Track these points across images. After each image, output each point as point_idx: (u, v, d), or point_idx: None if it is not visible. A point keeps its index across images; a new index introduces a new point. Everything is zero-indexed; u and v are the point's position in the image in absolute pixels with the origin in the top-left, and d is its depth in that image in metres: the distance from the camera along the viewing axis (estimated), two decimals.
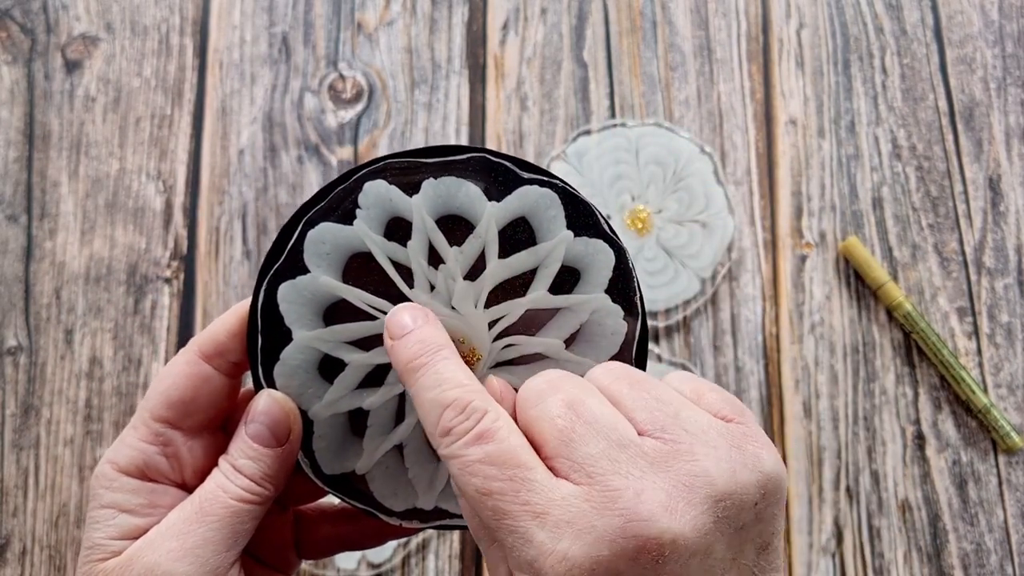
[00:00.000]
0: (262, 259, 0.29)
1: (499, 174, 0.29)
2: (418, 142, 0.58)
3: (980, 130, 0.59)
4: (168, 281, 0.55)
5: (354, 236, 0.28)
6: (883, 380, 0.55)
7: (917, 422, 0.54)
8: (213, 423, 0.29)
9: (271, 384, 0.28)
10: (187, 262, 0.55)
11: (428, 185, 0.29)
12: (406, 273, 0.29)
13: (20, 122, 0.57)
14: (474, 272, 0.29)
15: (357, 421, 0.30)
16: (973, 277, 0.56)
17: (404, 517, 0.30)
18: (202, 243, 0.56)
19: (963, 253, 0.57)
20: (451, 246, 0.29)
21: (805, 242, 0.57)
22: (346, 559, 0.50)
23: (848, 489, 0.53)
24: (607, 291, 0.29)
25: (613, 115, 0.58)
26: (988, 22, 0.61)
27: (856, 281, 0.56)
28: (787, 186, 0.58)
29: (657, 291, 0.55)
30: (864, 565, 0.52)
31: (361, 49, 0.59)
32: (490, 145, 0.58)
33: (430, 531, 0.51)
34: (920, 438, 0.54)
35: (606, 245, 0.29)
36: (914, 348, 0.55)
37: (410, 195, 0.29)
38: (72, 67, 0.58)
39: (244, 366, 0.29)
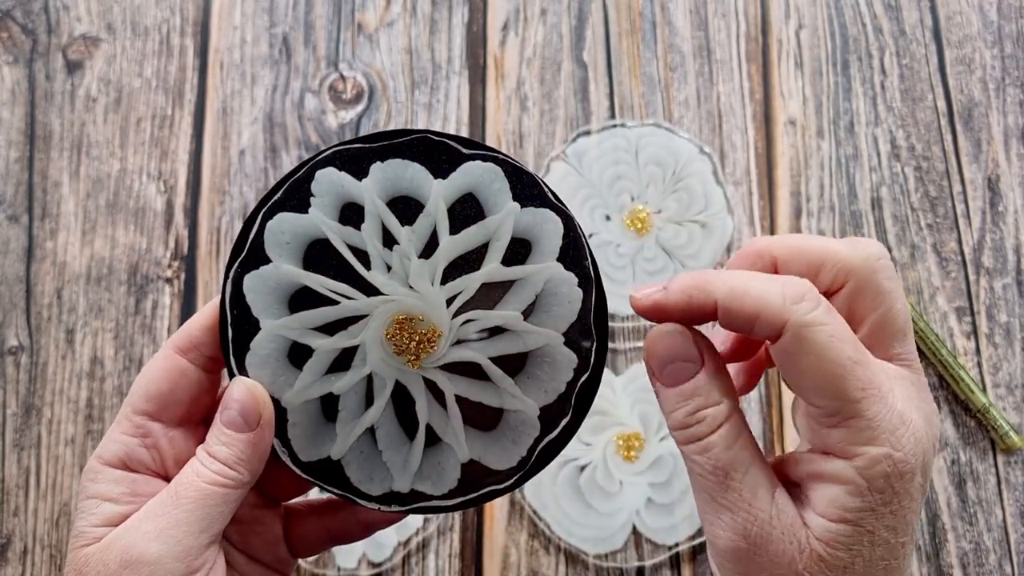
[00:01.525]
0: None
1: (443, 153, 0.30)
2: None
3: (979, 130, 0.59)
4: (169, 281, 0.55)
5: (311, 223, 0.29)
6: None
7: None
8: (193, 416, 0.30)
9: (244, 374, 0.29)
10: (188, 262, 0.55)
11: (376, 168, 0.29)
12: (363, 256, 0.30)
13: (21, 122, 0.57)
14: (428, 251, 0.30)
15: (329, 407, 0.30)
16: (972, 277, 0.56)
17: (382, 501, 0.30)
18: (203, 243, 0.56)
19: (962, 253, 0.57)
20: (403, 226, 0.29)
21: None
22: (346, 559, 0.51)
23: None
24: (559, 259, 0.29)
25: (613, 115, 0.59)
26: (987, 23, 0.61)
27: None
28: (786, 186, 0.58)
29: None
30: None
31: (361, 50, 0.59)
32: (490, 145, 0.58)
33: (431, 532, 0.52)
34: None
35: (553, 214, 0.30)
36: None
37: (360, 180, 0.29)
38: (73, 67, 0.58)
39: (220, 360, 0.30)
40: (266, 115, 0.58)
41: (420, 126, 0.58)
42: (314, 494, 0.34)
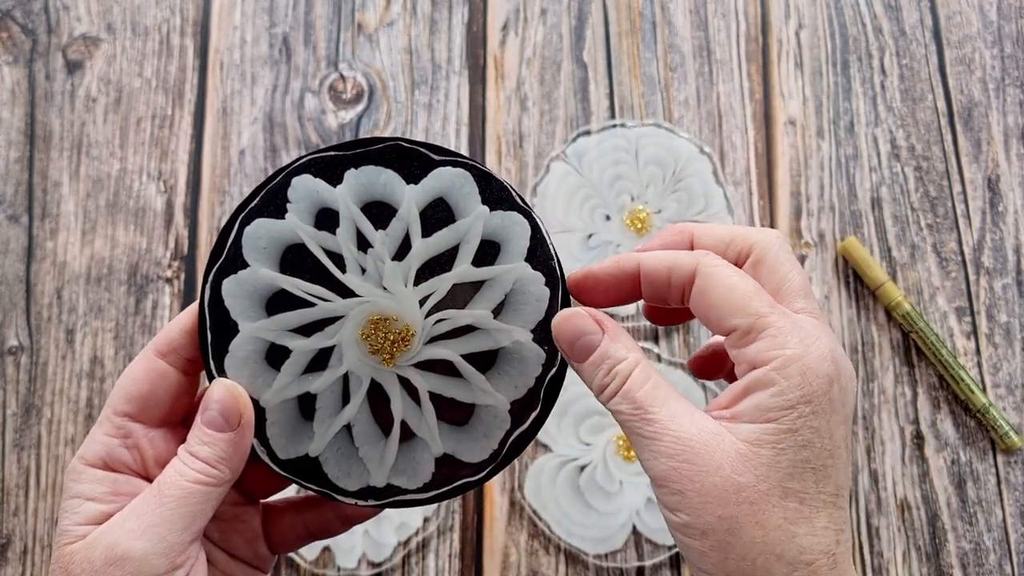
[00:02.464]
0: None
1: (414, 159, 0.31)
2: None
3: (979, 130, 0.59)
4: (169, 281, 0.55)
5: (287, 229, 0.30)
6: (882, 380, 0.55)
7: (916, 422, 0.54)
8: (173, 417, 0.31)
9: (224, 376, 0.30)
10: (188, 262, 0.56)
11: (350, 175, 0.31)
12: (338, 259, 0.31)
13: (21, 122, 0.57)
14: (401, 253, 0.31)
15: (307, 406, 0.31)
16: (972, 277, 0.56)
17: (359, 496, 0.31)
18: (203, 243, 0.56)
19: (962, 253, 0.57)
20: (377, 230, 0.31)
21: (804, 242, 0.57)
22: (347, 559, 0.51)
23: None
24: (527, 260, 0.31)
25: (613, 115, 0.59)
26: (987, 23, 0.61)
27: (855, 281, 0.56)
28: (786, 186, 0.58)
29: None
30: (863, 564, 0.52)
31: (361, 50, 0.59)
32: (490, 145, 0.58)
33: (431, 532, 0.52)
34: (919, 437, 0.54)
35: (521, 217, 0.31)
36: (913, 348, 0.55)
37: (335, 186, 0.30)
38: (73, 68, 0.58)
39: (199, 363, 0.30)
40: (266, 115, 0.58)
41: (421, 126, 0.58)
42: (293, 491, 0.34)
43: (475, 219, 0.31)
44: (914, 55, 0.60)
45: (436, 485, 0.31)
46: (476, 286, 0.31)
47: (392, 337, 0.31)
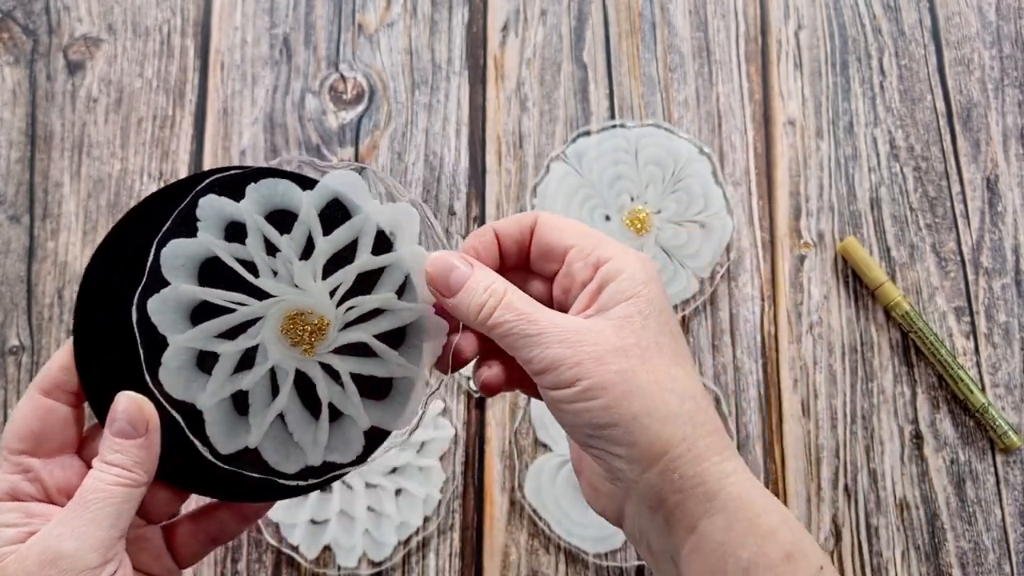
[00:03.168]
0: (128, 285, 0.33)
1: (306, 170, 0.35)
2: (418, 143, 0.58)
3: (978, 131, 0.59)
4: None
5: (201, 245, 0.33)
6: (881, 379, 0.55)
7: (915, 421, 0.54)
8: (66, 447, 0.33)
9: (159, 387, 0.32)
10: None
11: (251, 189, 0.33)
12: (251, 267, 0.33)
13: (22, 123, 0.58)
14: (307, 253, 0.33)
15: (241, 402, 0.33)
16: (971, 277, 0.57)
17: (299, 477, 0.34)
18: None
19: (961, 253, 0.57)
20: (282, 235, 0.33)
21: (803, 242, 0.57)
22: (347, 558, 0.51)
23: (846, 488, 0.53)
24: (420, 244, 0.34)
25: (612, 116, 0.59)
26: (986, 23, 0.61)
27: (854, 281, 0.57)
28: (785, 186, 0.58)
29: None
30: (862, 563, 0.52)
31: (362, 50, 0.60)
32: (490, 146, 0.58)
33: (431, 531, 0.52)
34: (918, 437, 0.54)
35: (409, 206, 0.34)
36: (912, 347, 0.55)
37: (238, 201, 0.33)
38: (74, 68, 0.58)
39: (82, 395, 0.33)
40: (267, 116, 0.58)
41: (421, 126, 0.58)
42: (187, 507, 0.36)
43: (367, 214, 0.34)
44: (913, 55, 0.60)
45: (367, 453, 0.34)
46: (379, 272, 0.34)
47: (309, 329, 0.33)
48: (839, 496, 0.53)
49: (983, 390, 0.55)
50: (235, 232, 0.33)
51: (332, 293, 0.33)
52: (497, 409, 0.54)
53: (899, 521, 0.53)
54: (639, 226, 0.55)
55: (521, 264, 0.35)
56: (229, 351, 0.33)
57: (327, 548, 0.51)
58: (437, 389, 0.35)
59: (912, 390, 0.55)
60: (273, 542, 0.51)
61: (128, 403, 0.31)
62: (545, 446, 0.53)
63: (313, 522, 0.51)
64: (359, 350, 0.34)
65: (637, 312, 0.31)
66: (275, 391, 0.33)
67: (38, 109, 0.58)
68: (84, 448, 0.33)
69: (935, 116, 0.59)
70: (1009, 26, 0.61)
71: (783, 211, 0.57)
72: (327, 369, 0.34)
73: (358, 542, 0.51)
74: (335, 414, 0.34)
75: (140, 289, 0.32)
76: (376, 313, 0.34)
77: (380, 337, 0.34)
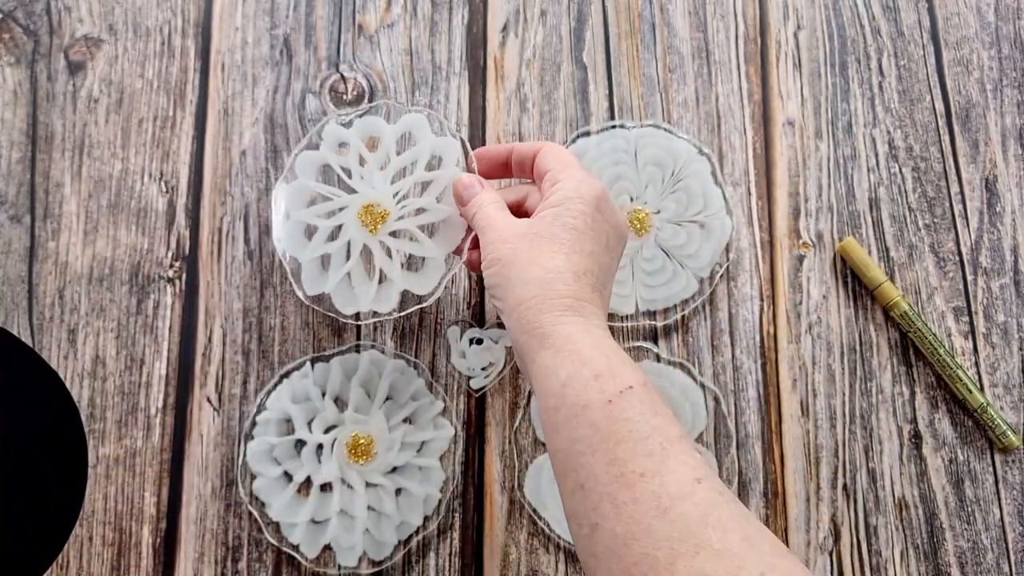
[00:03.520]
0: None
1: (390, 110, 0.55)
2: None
3: (976, 131, 0.59)
4: (171, 281, 0.55)
5: (320, 155, 0.51)
6: (880, 379, 0.55)
7: (914, 421, 0.55)
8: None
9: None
10: (189, 263, 0.56)
11: (357, 122, 0.52)
12: (348, 172, 0.50)
13: (23, 123, 0.58)
14: (385, 166, 0.51)
15: (326, 261, 0.50)
16: (969, 277, 0.57)
17: (353, 317, 0.53)
18: (204, 244, 0.56)
19: (959, 253, 0.57)
20: (371, 152, 0.51)
21: (802, 242, 0.57)
22: (347, 558, 0.51)
23: (845, 487, 0.54)
24: (457, 166, 0.49)
25: (612, 116, 0.59)
26: (984, 24, 0.61)
27: (853, 281, 0.57)
28: (785, 187, 0.58)
29: (655, 291, 0.55)
30: (861, 563, 0.53)
31: (362, 51, 0.60)
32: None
33: (431, 531, 0.52)
34: (917, 437, 0.54)
35: (454, 140, 0.50)
36: (911, 347, 0.56)
37: (348, 128, 0.51)
38: (75, 69, 0.59)
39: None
40: (267, 116, 0.58)
41: None
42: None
43: (424, 144, 0.50)
44: (912, 56, 0.60)
45: (400, 309, 0.51)
46: (427, 183, 0.50)
47: (375, 217, 0.49)
48: (838, 496, 0.53)
49: (982, 390, 0.55)
50: (342, 149, 0.52)
51: (395, 195, 0.50)
52: (497, 409, 0.54)
53: (898, 520, 0.53)
54: (639, 226, 0.55)
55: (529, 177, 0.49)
56: (324, 225, 0.49)
57: (327, 548, 0.51)
58: (454, 270, 0.49)
59: (911, 390, 0.55)
60: (273, 541, 0.51)
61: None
62: (545, 445, 0.53)
63: (313, 521, 0.51)
64: (406, 235, 0.50)
65: (551, 213, 0.42)
66: (348, 256, 0.49)
67: (39, 109, 0.58)
68: None
69: (934, 116, 0.59)
70: (1008, 27, 0.61)
71: (782, 211, 0.58)
72: (383, 247, 0.49)
73: (358, 542, 0.51)
74: (383, 278, 0.49)
75: (279, 179, 0.52)
76: (422, 211, 0.49)
77: (421, 227, 0.50)
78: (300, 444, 0.52)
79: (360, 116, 0.51)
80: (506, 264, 0.42)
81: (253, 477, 0.52)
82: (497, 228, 0.43)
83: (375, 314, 0.49)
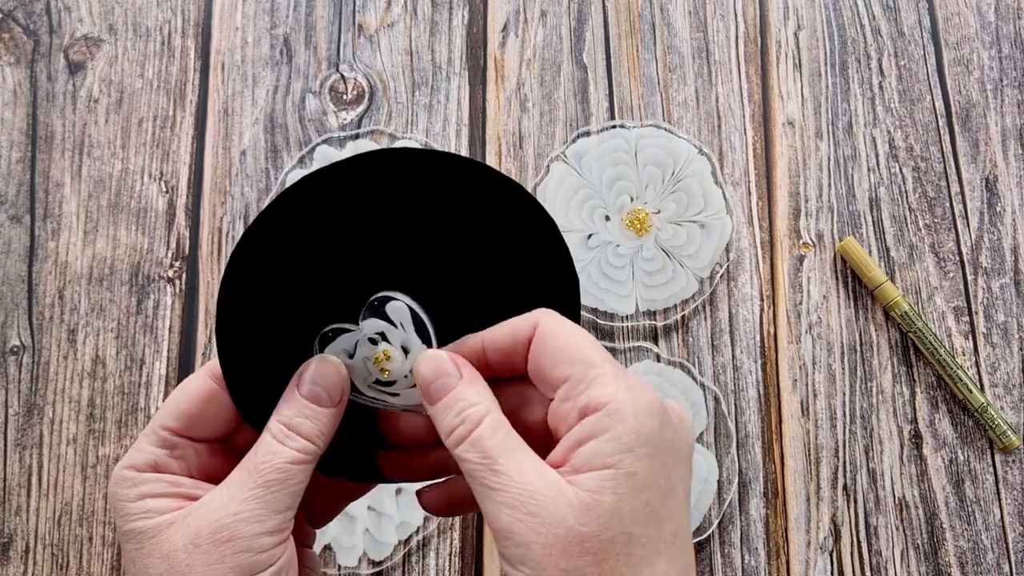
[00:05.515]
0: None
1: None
2: (419, 143, 0.58)
3: (977, 131, 0.59)
4: (171, 281, 0.55)
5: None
6: (880, 379, 0.55)
7: (914, 421, 0.55)
8: (215, 433, 0.31)
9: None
10: (189, 262, 0.56)
11: (349, 143, 0.48)
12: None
13: (23, 123, 0.58)
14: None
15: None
16: (970, 277, 0.57)
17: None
18: (204, 243, 0.56)
19: (960, 253, 0.57)
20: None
21: (803, 242, 0.57)
22: (347, 557, 0.51)
23: (845, 487, 0.53)
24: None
25: (612, 116, 0.59)
26: (985, 24, 0.61)
27: (853, 281, 0.57)
28: (785, 187, 0.58)
29: (655, 291, 0.55)
30: (861, 563, 0.52)
31: (362, 51, 0.60)
32: (490, 146, 0.58)
33: (431, 531, 0.52)
34: (917, 437, 0.54)
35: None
36: (911, 347, 0.55)
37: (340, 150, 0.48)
38: (75, 68, 0.59)
39: None
40: (267, 116, 0.58)
41: (421, 127, 0.59)
42: None
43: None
44: (912, 56, 0.60)
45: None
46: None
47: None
48: (838, 496, 0.53)
49: (982, 390, 0.55)
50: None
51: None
52: None
53: (898, 520, 0.53)
54: (639, 226, 0.55)
55: (523, 374, 0.30)
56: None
57: (327, 548, 0.51)
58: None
59: (911, 390, 0.55)
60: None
61: (329, 368, 0.29)
62: None
63: None
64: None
65: (611, 489, 0.25)
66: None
67: (39, 109, 0.58)
68: (232, 438, 0.32)
69: (934, 116, 0.59)
70: (1008, 26, 0.61)
71: (782, 211, 0.58)
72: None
73: (358, 541, 0.51)
74: None
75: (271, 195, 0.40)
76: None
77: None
78: None
79: (354, 139, 0.49)
80: None
81: None
82: (519, 500, 0.26)
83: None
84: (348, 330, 0.31)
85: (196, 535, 0.27)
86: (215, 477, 0.30)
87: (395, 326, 0.31)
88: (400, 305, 0.31)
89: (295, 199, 0.30)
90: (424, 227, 0.31)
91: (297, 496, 0.28)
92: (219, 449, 0.31)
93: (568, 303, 0.31)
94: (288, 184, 0.38)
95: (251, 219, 0.56)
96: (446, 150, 0.32)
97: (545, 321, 0.29)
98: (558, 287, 0.31)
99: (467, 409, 0.28)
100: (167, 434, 0.30)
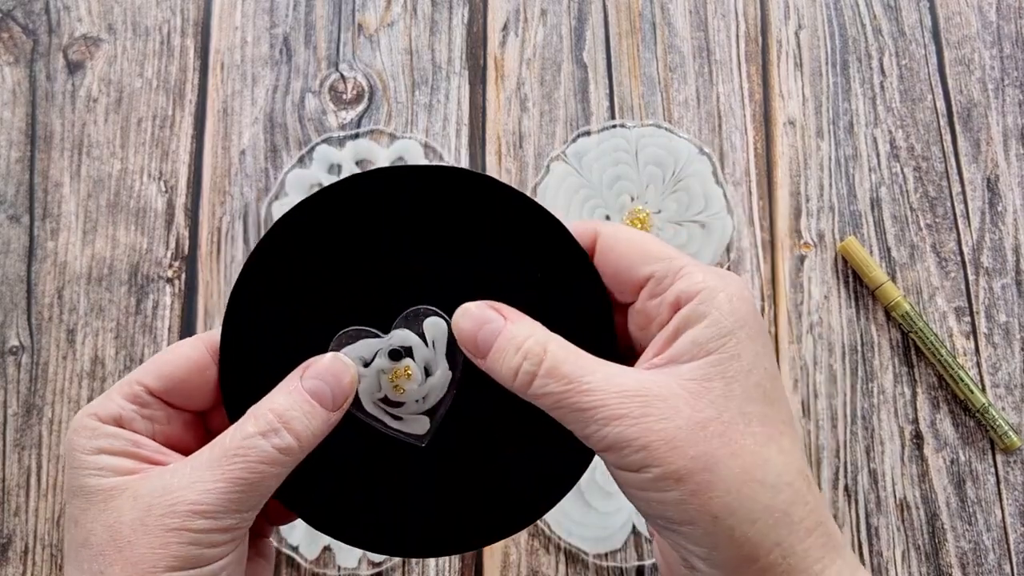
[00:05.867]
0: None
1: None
2: (419, 143, 0.58)
3: (978, 131, 0.59)
4: (170, 281, 0.55)
5: (311, 175, 0.50)
6: (881, 379, 0.55)
7: (915, 421, 0.54)
8: (190, 404, 0.29)
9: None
10: (189, 262, 0.56)
11: (350, 143, 0.53)
12: None
13: (22, 123, 0.58)
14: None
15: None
16: (971, 277, 0.57)
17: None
18: (204, 243, 0.56)
19: (961, 253, 0.57)
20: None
21: (803, 242, 0.57)
22: (347, 558, 0.51)
23: (846, 488, 0.53)
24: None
25: (613, 116, 0.59)
26: (986, 23, 0.61)
27: (854, 281, 0.56)
28: (786, 186, 0.58)
29: None
30: (863, 563, 0.52)
31: (362, 50, 0.60)
32: (490, 146, 0.58)
33: None
34: (918, 437, 0.54)
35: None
36: (912, 348, 0.55)
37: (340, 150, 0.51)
38: (74, 68, 0.58)
39: None
40: (267, 115, 0.58)
41: (420, 126, 0.58)
42: None
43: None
44: (913, 55, 0.60)
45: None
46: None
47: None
48: (839, 496, 0.53)
49: (983, 390, 0.55)
50: (334, 171, 0.47)
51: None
52: None
53: (899, 521, 0.53)
54: (639, 226, 0.55)
55: None
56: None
57: (327, 548, 0.51)
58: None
59: (912, 390, 0.55)
60: (273, 542, 0.51)
61: (338, 365, 0.27)
62: None
63: None
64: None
65: (718, 374, 0.25)
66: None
67: (38, 109, 0.58)
68: (210, 416, 0.30)
69: (935, 116, 0.59)
70: (1009, 26, 0.61)
71: (783, 211, 0.57)
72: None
73: None
74: None
75: (269, 197, 0.47)
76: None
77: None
78: None
79: (353, 138, 0.51)
80: (697, 488, 0.24)
81: None
82: (625, 406, 0.24)
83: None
84: (372, 334, 0.29)
85: (146, 512, 0.24)
86: (181, 448, 0.28)
87: (426, 343, 0.29)
88: (439, 322, 0.29)
89: (325, 202, 0.30)
90: (450, 244, 0.30)
91: (264, 498, 0.26)
92: (192, 422, 0.29)
93: (598, 319, 0.30)
94: (289, 183, 0.46)
95: (251, 219, 0.56)
96: (470, 168, 0.32)
97: (605, 230, 0.28)
98: (586, 301, 0.30)
99: (525, 342, 0.26)
100: (142, 390, 0.28)
